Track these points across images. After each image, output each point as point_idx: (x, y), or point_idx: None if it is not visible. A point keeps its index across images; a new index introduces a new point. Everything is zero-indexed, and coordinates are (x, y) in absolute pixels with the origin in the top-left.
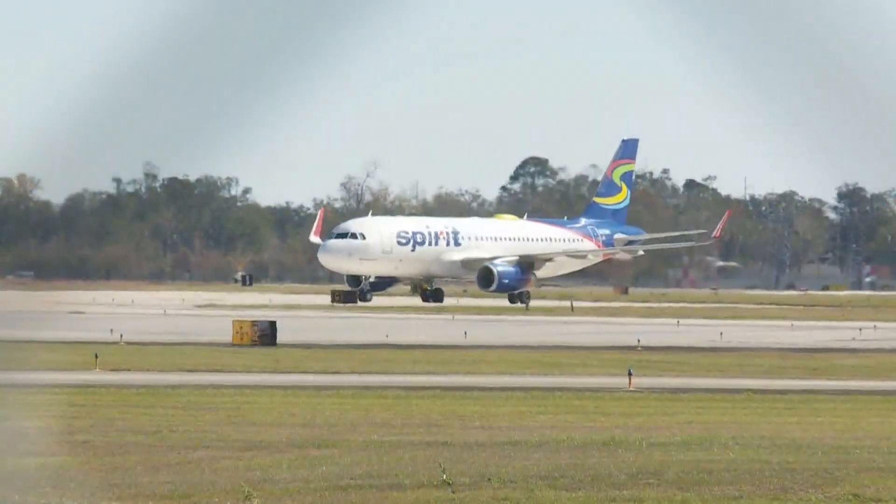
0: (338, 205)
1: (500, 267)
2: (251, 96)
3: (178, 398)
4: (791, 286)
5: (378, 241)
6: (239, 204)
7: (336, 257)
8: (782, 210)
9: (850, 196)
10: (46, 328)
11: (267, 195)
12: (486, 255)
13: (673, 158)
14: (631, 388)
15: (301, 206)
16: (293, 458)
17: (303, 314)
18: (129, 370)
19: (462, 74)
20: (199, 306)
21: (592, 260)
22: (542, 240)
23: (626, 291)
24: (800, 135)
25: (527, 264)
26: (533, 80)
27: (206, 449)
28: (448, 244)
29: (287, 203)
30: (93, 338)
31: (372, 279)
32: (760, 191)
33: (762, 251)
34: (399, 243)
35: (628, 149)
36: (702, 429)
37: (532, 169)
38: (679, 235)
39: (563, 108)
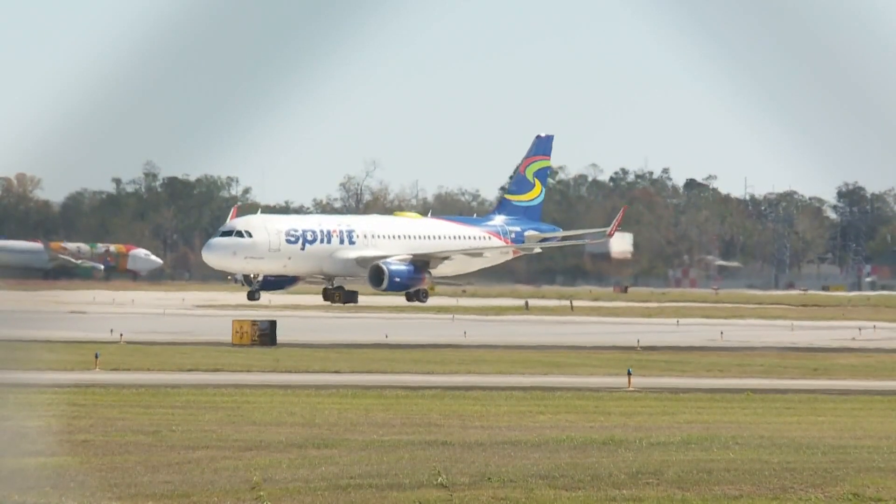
0: (338, 205)
1: (391, 265)
2: (251, 96)
3: (177, 398)
4: (791, 286)
5: (265, 238)
6: (239, 204)
7: (221, 256)
8: (782, 210)
9: (851, 196)
10: (46, 328)
11: (267, 195)
12: (381, 254)
13: (673, 158)
14: (631, 388)
15: (301, 206)
16: (293, 457)
17: (303, 314)
18: (129, 370)
19: (462, 74)
20: (199, 306)
21: (503, 258)
22: (441, 238)
23: (626, 291)
24: (800, 135)
25: (421, 262)
26: (533, 79)
27: (206, 449)
28: (342, 242)
29: (287, 203)
30: (93, 338)
31: (260, 278)
32: (761, 190)
33: (762, 251)
34: (288, 241)
35: (542, 145)
36: (702, 429)
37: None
38: (588, 233)
39: (563, 107)
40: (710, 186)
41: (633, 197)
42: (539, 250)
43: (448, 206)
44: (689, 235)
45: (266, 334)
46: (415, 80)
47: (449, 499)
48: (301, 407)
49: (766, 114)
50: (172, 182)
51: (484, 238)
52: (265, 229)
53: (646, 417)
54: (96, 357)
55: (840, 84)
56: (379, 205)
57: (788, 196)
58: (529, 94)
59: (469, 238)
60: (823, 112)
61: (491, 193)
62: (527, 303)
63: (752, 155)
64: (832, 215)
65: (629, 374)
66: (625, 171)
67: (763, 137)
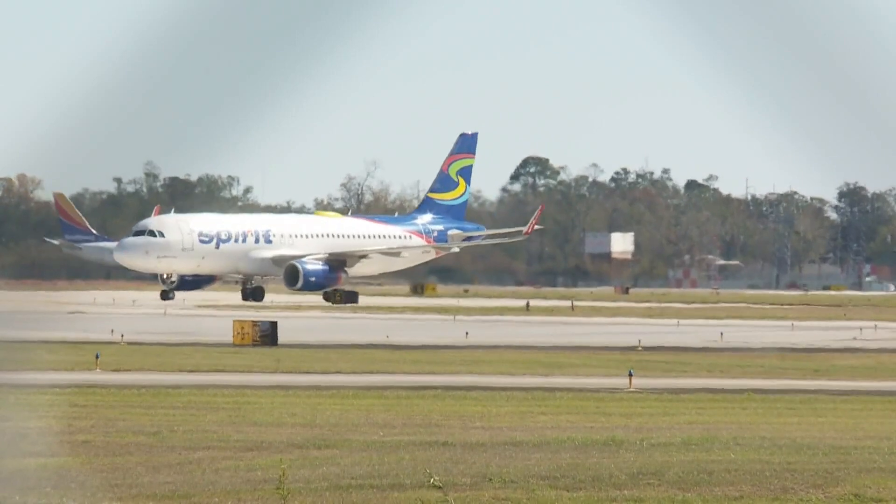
0: (338, 205)
1: (306, 265)
2: (251, 97)
3: (178, 398)
4: (792, 286)
5: (178, 238)
6: (240, 204)
7: (133, 255)
8: (783, 210)
9: (851, 196)
10: (46, 328)
11: (267, 195)
12: (297, 253)
13: (674, 158)
14: (631, 389)
15: (302, 206)
16: (294, 458)
17: (304, 314)
18: (129, 370)
19: (462, 74)
20: (200, 306)
21: (424, 257)
22: (360, 237)
23: (627, 292)
24: (800, 135)
25: (338, 262)
26: (533, 79)
27: (207, 449)
28: (257, 241)
29: (288, 203)
30: (93, 338)
31: (174, 277)
32: (761, 191)
33: (763, 251)
34: (202, 241)
35: (466, 143)
36: (702, 429)
37: (532, 169)
38: (513, 231)
39: (563, 107)
40: (711, 187)
41: (633, 197)
42: (457, 249)
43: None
44: (689, 236)
45: (267, 335)
46: (415, 80)
47: (448, 500)
48: (302, 407)
49: (766, 114)
50: (173, 182)
51: (405, 237)
52: (178, 229)
53: (647, 418)
54: (97, 357)
55: (840, 84)
56: (380, 205)
57: (789, 196)
58: (529, 94)
59: (389, 237)
60: (823, 112)
61: (491, 193)
62: (528, 303)
63: (753, 155)
64: (833, 215)
65: (630, 374)
66: (625, 172)
67: (763, 138)
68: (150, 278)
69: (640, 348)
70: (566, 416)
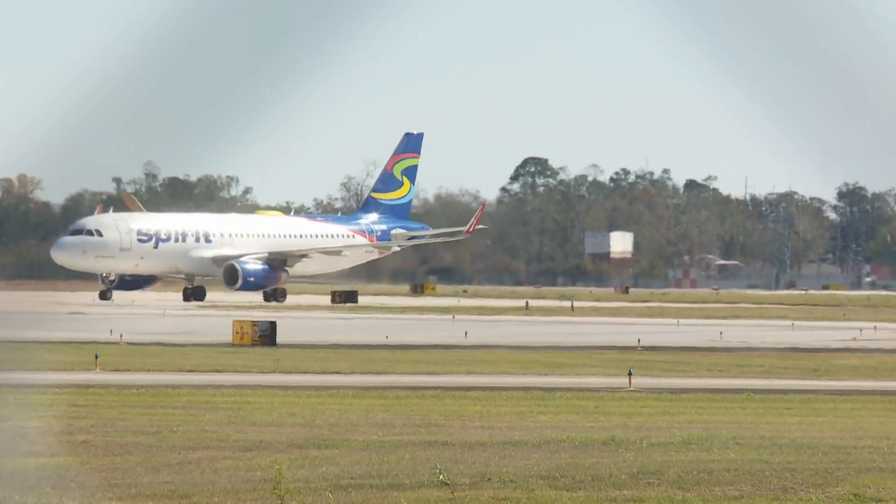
0: (338, 205)
1: (245, 264)
2: (251, 97)
3: (178, 398)
4: (792, 286)
5: (116, 237)
6: (239, 204)
7: (70, 255)
8: (782, 210)
9: (851, 196)
10: (46, 328)
11: (267, 195)
12: (237, 252)
13: (673, 158)
14: (631, 388)
15: (302, 206)
16: (293, 458)
17: (303, 314)
18: (129, 370)
19: (461, 74)
20: (200, 306)
21: (367, 256)
22: (301, 236)
23: (626, 291)
24: (800, 135)
25: (278, 261)
26: (533, 79)
27: (207, 449)
28: (197, 241)
29: (287, 203)
30: (93, 338)
31: (113, 276)
32: (761, 191)
33: (762, 251)
34: (140, 240)
35: (411, 143)
36: (702, 429)
37: (532, 169)
38: (457, 230)
39: (563, 108)
40: (711, 187)
41: (633, 197)
42: (398, 248)
43: (448, 207)
44: (689, 235)
45: (266, 335)
46: (415, 80)
47: (450, 498)
48: (301, 407)
49: (766, 114)
50: (173, 182)
51: (347, 236)
52: (116, 228)
53: (646, 418)
54: (96, 357)
55: (840, 84)
56: None
57: (789, 196)
58: (529, 94)
59: (331, 237)
60: (823, 112)
61: (491, 193)
62: (527, 303)
63: (753, 155)
64: (832, 215)
65: (630, 374)
66: (625, 172)
67: (763, 138)
68: (93, 278)
69: (639, 348)
70: (566, 416)
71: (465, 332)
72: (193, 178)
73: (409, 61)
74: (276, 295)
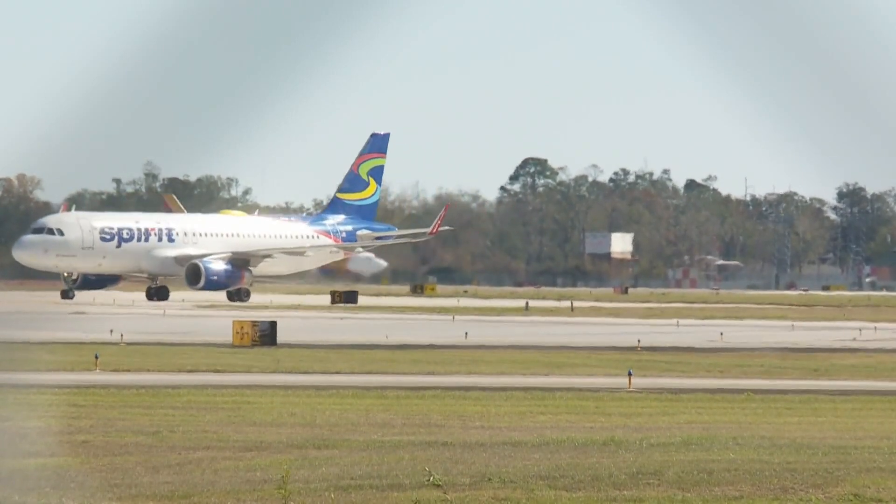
0: None
1: (208, 264)
2: (251, 96)
3: (178, 398)
4: (792, 286)
5: (78, 236)
6: (239, 204)
7: (31, 253)
8: (783, 210)
9: (851, 196)
10: (46, 328)
11: (267, 195)
12: (200, 252)
13: (673, 158)
14: (631, 389)
15: (301, 206)
16: (293, 458)
17: (303, 314)
18: (129, 370)
19: (461, 75)
20: (200, 306)
21: (332, 257)
22: (265, 236)
23: (626, 292)
24: (800, 135)
25: (241, 261)
26: (533, 80)
27: (207, 449)
28: (160, 240)
29: (287, 203)
30: (93, 338)
31: (75, 276)
32: (761, 191)
33: (762, 251)
34: (103, 239)
35: (377, 143)
36: (702, 429)
37: (532, 169)
38: (417, 232)
39: (563, 108)
40: (711, 187)
41: (633, 197)
42: (361, 250)
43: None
44: (689, 236)
45: (266, 335)
46: (415, 80)
47: (450, 499)
48: (301, 407)
49: (766, 114)
50: (173, 182)
51: (312, 237)
52: (78, 227)
53: (646, 418)
54: (96, 358)
55: (840, 84)
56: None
57: (789, 196)
58: (529, 94)
59: (296, 237)
60: (823, 112)
61: (491, 193)
62: (527, 303)
63: (753, 155)
64: (832, 216)
65: (629, 374)
66: (625, 172)
67: (763, 138)
68: (54, 277)
69: (639, 348)
70: (565, 416)
71: (466, 333)
72: (193, 178)
73: (410, 61)
74: (239, 295)
